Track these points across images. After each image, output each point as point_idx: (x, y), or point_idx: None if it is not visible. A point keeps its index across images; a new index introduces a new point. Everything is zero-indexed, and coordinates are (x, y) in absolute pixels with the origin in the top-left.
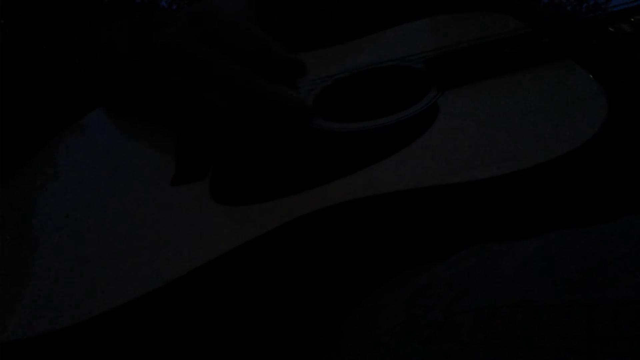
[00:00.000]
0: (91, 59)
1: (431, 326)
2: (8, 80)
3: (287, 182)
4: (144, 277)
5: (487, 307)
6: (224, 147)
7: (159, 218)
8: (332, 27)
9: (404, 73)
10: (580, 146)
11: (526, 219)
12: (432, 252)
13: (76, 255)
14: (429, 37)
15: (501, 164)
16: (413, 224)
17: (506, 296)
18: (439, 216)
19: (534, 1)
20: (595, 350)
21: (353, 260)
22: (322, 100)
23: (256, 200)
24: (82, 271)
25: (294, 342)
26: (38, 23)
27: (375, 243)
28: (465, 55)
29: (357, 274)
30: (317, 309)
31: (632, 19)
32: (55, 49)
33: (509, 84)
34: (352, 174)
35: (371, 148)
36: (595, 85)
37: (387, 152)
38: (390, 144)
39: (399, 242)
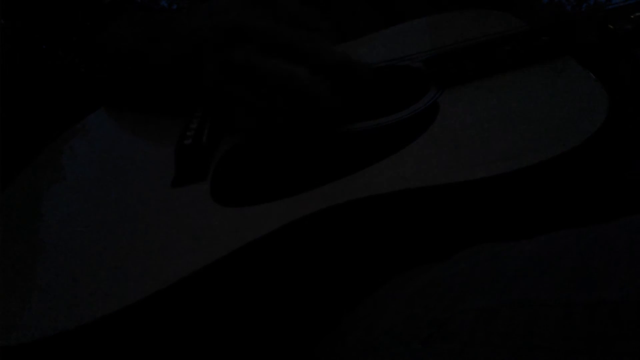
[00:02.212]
0: (97, 58)
1: (431, 326)
2: (8, 81)
3: (287, 183)
4: (145, 279)
5: (487, 307)
6: (225, 148)
7: (159, 220)
8: (331, 26)
9: (403, 72)
10: (580, 145)
11: (526, 219)
12: (432, 252)
13: (77, 258)
14: (428, 36)
15: (501, 162)
16: (413, 224)
17: (506, 296)
18: (439, 216)
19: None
20: (595, 350)
21: (354, 260)
22: None
23: (257, 201)
24: (82, 274)
25: (295, 342)
26: (38, 23)
27: (375, 243)
28: (464, 54)
29: (357, 274)
30: (318, 309)
31: (632, 16)
32: (55, 49)
33: (509, 82)
34: (351, 174)
35: (370, 148)
36: (595, 84)
37: (386, 152)
38: (390, 144)
39: (399, 243)
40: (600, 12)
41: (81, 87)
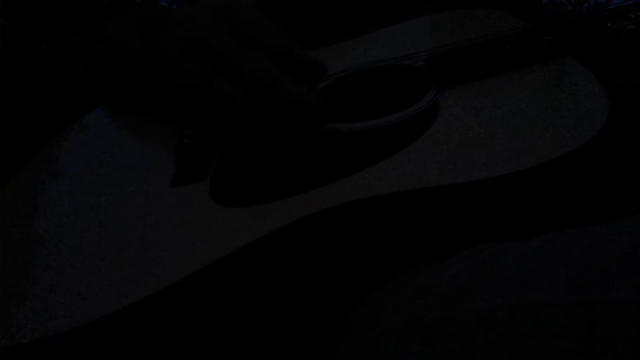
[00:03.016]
0: (92, 56)
1: (431, 326)
2: (8, 80)
3: (287, 183)
4: (144, 279)
5: (487, 307)
6: (225, 148)
7: (158, 219)
8: (332, 24)
9: (404, 72)
10: (581, 146)
11: (526, 219)
12: (432, 252)
13: (75, 257)
14: (429, 35)
15: (501, 164)
16: (413, 224)
17: (506, 296)
18: (439, 216)
19: None
20: (596, 350)
21: (353, 260)
22: None
23: (256, 201)
24: (81, 274)
25: (295, 342)
26: (38, 23)
27: (375, 243)
28: (466, 54)
29: (357, 274)
30: (318, 309)
31: (632, 15)
32: (55, 49)
33: (510, 82)
34: (351, 174)
35: (370, 148)
36: (597, 84)
37: (386, 152)
38: (390, 144)
39: (399, 243)
40: (602, 12)
41: (81, 87)
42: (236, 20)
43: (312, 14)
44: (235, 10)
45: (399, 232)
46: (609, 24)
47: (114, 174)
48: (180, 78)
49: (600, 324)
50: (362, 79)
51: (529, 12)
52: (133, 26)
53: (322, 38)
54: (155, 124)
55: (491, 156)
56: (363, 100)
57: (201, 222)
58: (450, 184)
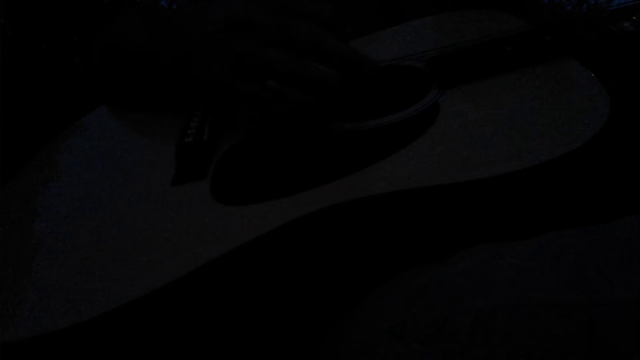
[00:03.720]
0: (93, 54)
1: (431, 326)
2: (8, 80)
3: (287, 182)
4: (144, 277)
5: (487, 307)
6: (226, 146)
7: (159, 218)
8: (333, 25)
9: (405, 72)
10: (581, 146)
11: (526, 219)
12: (432, 252)
13: (76, 255)
14: (430, 36)
15: (501, 163)
16: (413, 223)
17: (506, 296)
18: (439, 216)
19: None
20: (596, 350)
21: (353, 260)
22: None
23: (257, 200)
24: (82, 272)
25: (295, 342)
26: (38, 23)
27: (375, 243)
28: (466, 54)
29: (357, 274)
30: (318, 309)
31: (633, 17)
32: (55, 49)
33: (510, 82)
34: (352, 173)
35: (371, 147)
36: (597, 84)
37: (387, 152)
38: (391, 144)
39: (399, 242)
40: (603, 13)
41: (81, 87)
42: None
43: None
44: None
45: (399, 231)
46: (609, 25)
47: (114, 173)
48: (223, 57)
49: (600, 324)
50: (365, 77)
51: (529, 13)
52: (139, 22)
53: None
54: (156, 122)
55: (491, 156)
56: (364, 100)
57: (202, 221)
58: (451, 184)
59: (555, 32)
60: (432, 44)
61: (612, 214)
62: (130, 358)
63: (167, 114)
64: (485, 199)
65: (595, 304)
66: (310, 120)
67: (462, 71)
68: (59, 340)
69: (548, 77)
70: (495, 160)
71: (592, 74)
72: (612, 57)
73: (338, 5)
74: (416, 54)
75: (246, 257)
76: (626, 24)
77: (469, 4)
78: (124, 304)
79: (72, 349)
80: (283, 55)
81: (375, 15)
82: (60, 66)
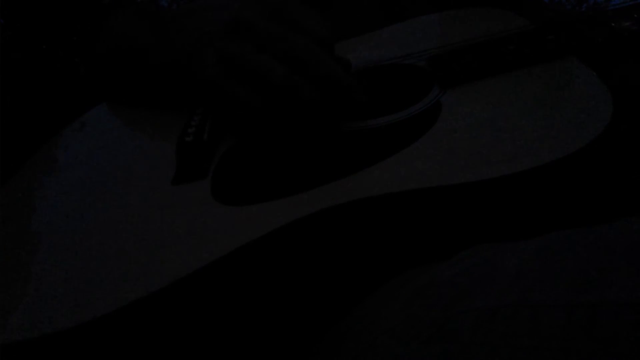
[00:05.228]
0: (96, 52)
1: (431, 326)
2: (8, 80)
3: (288, 182)
4: (143, 278)
5: (487, 307)
6: (226, 146)
7: (159, 218)
8: (334, 23)
9: (406, 71)
10: (584, 147)
11: (526, 219)
12: (432, 252)
13: (76, 255)
14: (432, 34)
15: (503, 164)
16: (413, 224)
17: (506, 296)
18: (439, 216)
19: None
20: (596, 351)
21: (354, 260)
22: None
23: (257, 200)
24: (81, 272)
25: (295, 342)
26: (38, 23)
27: (375, 243)
28: (468, 53)
29: (357, 274)
30: (318, 309)
31: (636, 16)
32: (55, 49)
33: (513, 82)
34: (352, 174)
35: (372, 147)
36: (600, 84)
37: (388, 152)
38: (392, 144)
39: (399, 242)
40: (606, 12)
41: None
42: (277, 6)
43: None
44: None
45: (399, 231)
46: (612, 24)
47: (114, 171)
48: (218, 57)
49: (600, 324)
50: (364, 78)
51: (533, 12)
52: (140, 21)
53: None
54: (156, 121)
55: (492, 156)
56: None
57: (202, 221)
58: (451, 184)
59: (558, 31)
60: (434, 43)
61: (612, 214)
62: (131, 358)
63: (168, 112)
64: (486, 199)
65: (595, 304)
66: (311, 120)
67: (464, 70)
68: (58, 341)
69: (551, 76)
70: (497, 161)
71: (595, 74)
72: (615, 56)
73: (340, 4)
74: (418, 53)
75: (246, 257)
76: (629, 23)
77: (469, 3)
78: (123, 305)
79: (72, 351)
80: (275, 67)
81: (376, 13)
82: (60, 66)
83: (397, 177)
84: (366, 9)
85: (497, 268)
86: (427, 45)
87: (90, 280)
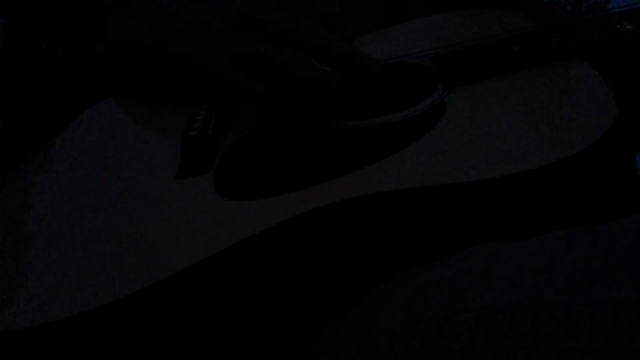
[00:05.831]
0: (96, 52)
1: (432, 326)
2: (8, 80)
3: (291, 178)
4: (145, 270)
5: (487, 306)
6: (231, 141)
7: (162, 211)
8: (338, 24)
9: (411, 70)
10: (587, 148)
11: (526, 219)
12: (432, 252)
13: (79, 247)
14: (437, 34)
15: (505, 164)
16: (413, 223)
17: (507, 296)
18: (441, 215)
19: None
20: (597, 350)
21: (353, 259)
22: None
23: (260, 195)
24: (83, 263)
25: (294, 340)
26: (38, 23)
27: (375, 242)
28: (473, 53)
29: (357, 273)
30: (318, 307)
31: None
32: (55, 49)
33: (517, 83)
34: (355, 171)
35: (375, 145)
36: (604, 86)
37: (391, 150)
38: (395, 142)
39: (399, 242)
40: (612, 15)
41: (81, 87)
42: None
43: None
44: None
45: (399, 230)
46: (617, 26)
47: (118, 164)
48: (227, 52)
49: (600, 324)
50: (369, 76)
51: (538, 13)
52: (145, 17)
53: None
54: (161, 115)
55: (495, 156)
56: (369, 97)
57: (204, 215)
58: (453, 183)
59: (563, 32)
60: (439, 42)
61: (612, 214)
62: (129, 352)
63: (174, 107)
64: (487, 199)
65: (595, 303)
66: (316, 116)
67: (469, 70)
68: (56, 332)
69: (555, 77)
70: (499, 161)
71: (599, 77)
72: (620, 58)
73: (343, 3)
74: (423, 52)
75: (246, 253)
76: (635, 25)
77: (470, 3)
78: (123, 297)
79: (70, 341)
80: (286, 55)
81: (379, 13)
82: (60, 66)
83: (399, 175)
84: (370, 9)
85: (498, 267)
86: (432, 45)
87: (92, 272)
